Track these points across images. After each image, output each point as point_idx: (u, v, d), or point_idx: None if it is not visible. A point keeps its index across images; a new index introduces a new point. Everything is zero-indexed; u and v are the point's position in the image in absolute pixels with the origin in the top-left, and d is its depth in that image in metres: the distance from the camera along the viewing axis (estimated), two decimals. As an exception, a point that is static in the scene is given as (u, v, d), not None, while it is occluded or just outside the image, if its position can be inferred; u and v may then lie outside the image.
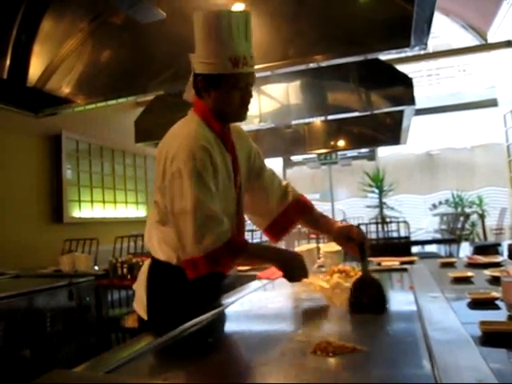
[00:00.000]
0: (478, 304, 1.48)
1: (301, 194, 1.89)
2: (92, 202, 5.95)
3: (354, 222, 6.61)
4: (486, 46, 7.71)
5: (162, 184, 1.49)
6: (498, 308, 1.42)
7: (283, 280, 1.99)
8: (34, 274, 3.92)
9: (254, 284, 2.18)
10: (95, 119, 5.92)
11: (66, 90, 3.92)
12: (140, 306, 1.63)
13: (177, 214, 1.43)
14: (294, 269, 1.64)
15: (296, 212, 1.85)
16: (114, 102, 3.99)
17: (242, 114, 1.60)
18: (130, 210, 6.76)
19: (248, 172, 1.78)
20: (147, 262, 1.68)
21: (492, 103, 7.96)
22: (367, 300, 1.51)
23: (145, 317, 1.60)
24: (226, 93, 1.51)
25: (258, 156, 1.87)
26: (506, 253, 6.81)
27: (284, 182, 1.92)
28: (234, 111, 1.57)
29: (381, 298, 1.52)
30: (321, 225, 1.87)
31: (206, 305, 1.59)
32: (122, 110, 6.42)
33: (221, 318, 1.55)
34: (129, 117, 5.90)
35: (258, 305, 1.74)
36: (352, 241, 1.69)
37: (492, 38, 7.38)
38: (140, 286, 1.66)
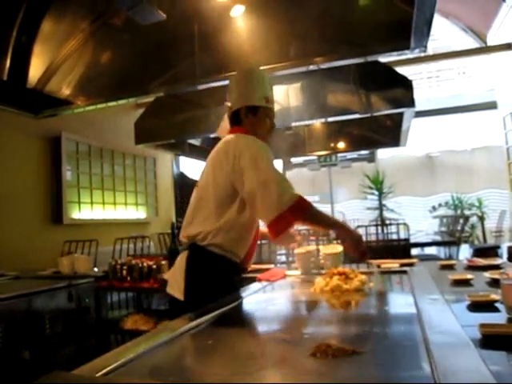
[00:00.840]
0: (477, 306, 1.48)
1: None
2: (92, 203, 5.94)
3: (354, 224, 6.60)
4: (485, 49, 7.71)
5: (236, 173, 1.88)
6: (497, 310, 1.42)
7: (283, 282, 1.99)
8: (34, 275, 3.92)
9: (254, 286, 2.18)
10: (95, 120, 5.92)
11: (66, 91, 3.92)
12: (176, 288, 1.94)
13: (259, 183, 1.81)
14: (355, 238, 1.94)
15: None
16: (114, 103, 3.99)
17: (268, 136, 2.16)
18: (129, 211, 6.75)
19: None
20: (185, 253, 1.99)
21: (492, 106, 7.96)
22: None
23: (181, 297, 1.90)
24: (261, 119, 2.11)
25: None
26: (505, 255, 6.81)
27: None
28: (263, 133, 2.11)
29: None
30: None
31: (229, 292, 1.90)
32: (122, 112, 6.42)
33: (221, 320, 1.54)
34: (129, 118, 5.89)
35: (257, 307, 1.74)
36: None
37: (491, 40, 7.39)
38: (178, 271, 1.96)
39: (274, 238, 1.85)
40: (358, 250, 1.93)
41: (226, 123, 2.19)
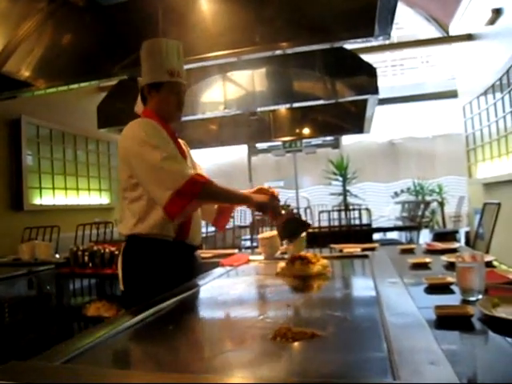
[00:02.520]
0: (434, 289, 1.53)
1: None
2: (53, 188, 5.79)
3: (318, 209, 6.68)
4: (447, 39, 7.86)
5: (127, 163, 1.84)
6: (452, 292, 1.47)
7: (246, 267, 1.99)
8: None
9: (217, 271, 2.19)
10: (57, 104, 5.75)
11: (25, 72, 3.79)
12: (120, 279, 1.93)
13: (148, 170, 1.77)
14: (270, 205, 1.98)
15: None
16: (75, 86, 3.88)
17: (176, 115, 2.03)
18: (92, 197, 6.63)
19: None
20: (123, 245, 1.97)
21: (453, 94, 8.14)
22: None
23: (121, 287, 1.92)
24: (165, 96, 1.96)
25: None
26: (463, 239, 7.05)
27: None
28: (171, 111, 1.99)
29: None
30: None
31: (180, 279, 1.85)
32: (84, 95, 6.26)
33: (182, 305, 1.54)
34: (91, 102, 5.75)
35: (219, 291, 1.75)
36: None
37: (453, 30, 7.53)
38: (118, 263, 1.96)
39: (172, 220, 1.77)
40: (278, 215, 2.00)
41: (140, 101, 2.06)
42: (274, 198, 2.03)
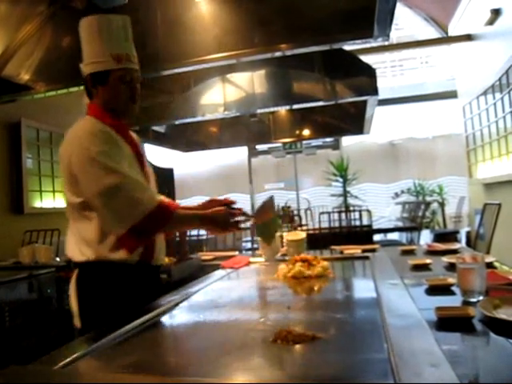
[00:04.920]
0: (435, 290, 1.53)
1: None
2: (54, 192, 5.79)
3: (318, 211, 6.67)
4: (446, 39, 7.88)
5: (72, 179, 1.52)
6: (453, 294, 1.47)
7: (247, 269, 1.99)
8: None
9: (218, 273, 2.19)
10: (56, 107, 5.74)
11: (25, 76, 3.78)
12: (75, 316, 1.62)
13: (100, 193, 1.46)
14: (219, 224, 1.68)
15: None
16: (75, 88, 3.88)
17: (130, 109, 1.68)
18: (92, 199, 6.63)
19: None
20: (75, 273, 1.63)
21: (452, 95, 8.15)
22: None
23: (78, 325, 1.59)
24: (114, 88, 1.62)
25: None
26: (464, 240, 7.04)
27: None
28: (122, 105, 1.66)
29: None
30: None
31: (145, 302, 1.55)
32: (84, 97, 6.25)
33: (183, 308, 1.54)
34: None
35: (220, 294, 1.75)
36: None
37: (452, 31, 7.54)
38: (71, 296, 1.64)
39: (129, 253, 1.52)
40: (230, 226, 1.71)
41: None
42: (228, 207, 1.75)
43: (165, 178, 9.90)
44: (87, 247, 1.55)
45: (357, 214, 4.72)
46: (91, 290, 1.57)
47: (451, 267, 1.88)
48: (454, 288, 1.50)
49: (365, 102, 4.79)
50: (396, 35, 9.38)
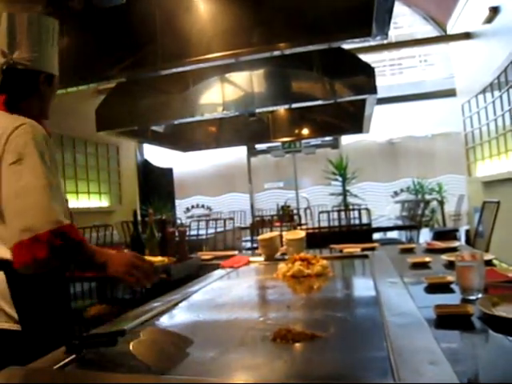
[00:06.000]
0: (434, 288, 1.53)
1: None
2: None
3: (318, 210, 6.67)
4: (445, 38, 7.88)
5: None
6: (452, 291, 1.47)
7: (246, 268, 1.99)
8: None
9: (218, 272, 2.19)
10: (55, 107, 5.65)
11: (22, 76, 3.79)
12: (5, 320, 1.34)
13: (22, 192, 1.29)
14: (129, 264, 1.44)
15: None
16: (74, 89, 3.87)
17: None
18: (92, 200, 6.63)
19: None
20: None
21: (451, 93, 8.15)
22: None
23: (17, 327, 1.33)
24: (52, 92, 1.68)
25: None
26: (463, 238, 7.05)
27: None
28: (48, 111, 1.69)
29: None
30: None
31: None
32: (82, 98, 6.25)
33: (183, 308, 1.54)
34: (90, 105, 5.73)
35: (219, 293, 1.75)
36: None
37: (451, 29, 7.54)
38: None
39: (17, 266, 1.27)
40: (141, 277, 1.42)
41: None
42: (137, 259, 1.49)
43: (164, 177, 9.93)
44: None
45: (356, 213, 4.73)
46: (27, 290, 1.38)
47: (450, 265, 1.88)
48: (453, 286, 1.51)
49: (364, 100, 4.79)
50: (395, 34, 9.38)
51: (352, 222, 4.80)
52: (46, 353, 1.06)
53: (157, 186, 8.81)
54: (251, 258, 2.54)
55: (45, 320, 1.39)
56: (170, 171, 9.74)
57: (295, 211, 7.46)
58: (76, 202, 6.24)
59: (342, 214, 4.60)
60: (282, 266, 1.99)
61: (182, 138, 6.50)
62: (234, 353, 1.05)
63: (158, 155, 9.44)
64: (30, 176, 1.31)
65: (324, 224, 4.50)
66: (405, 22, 9.65)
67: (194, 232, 5.30)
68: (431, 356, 0.87)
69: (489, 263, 1.87)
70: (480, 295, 1.33)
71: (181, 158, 9.15)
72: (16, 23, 1.49)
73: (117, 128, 5.28)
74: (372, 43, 5.61)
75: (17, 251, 1.26)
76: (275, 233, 2.57)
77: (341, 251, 2.67)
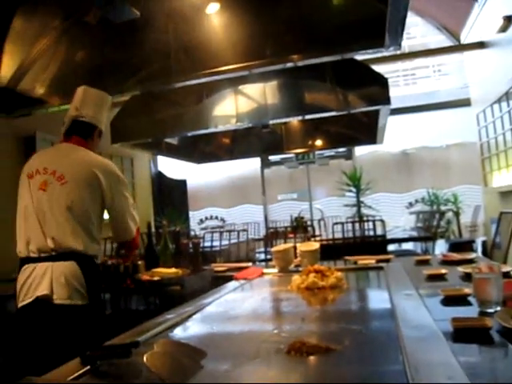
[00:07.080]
0: (450, 300, 1.51)
1: None
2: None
3: (332, 221, 6.64)
4: (459, 47, 7.84)
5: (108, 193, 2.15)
6: (469, 304, 1.45)
7: (260, 280, 1.98)
8: (6, 278, 3.83)
9: (231, 284, 2.18)
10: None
11: (39, 90, 3.84)
12: (75, 296, 1.94)
13: (127, 207, 2.23)
14: None
15: None
16: (89, 102, 3.92)
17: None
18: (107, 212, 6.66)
19: None
20: (70, 263, 2.05)
21: (466, 103, 8.09)
22: None
23: (86, 301, 1.96)
24: (98, 142, 2.31)
25: None
26: (480, 249, 6.95)
27: None
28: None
29: None
30: None
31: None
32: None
33: (196, 320, 1.54)
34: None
35: (233, 305, 1.74)
36: None
37: (464, 39, 7.51)
38: (72, 279, 1.98)
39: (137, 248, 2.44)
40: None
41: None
42: None
43: (178, 189, 9.98)
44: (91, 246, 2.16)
45: (370, 224, 4.70)
46: (93, 275, 2.08)
47: (467, 277, 1.85)
48: (470, 298, 1.48)
49: (377, 111, 4.78)
50: (408, 44, 9.36)
51: (366, 233, 4.76)
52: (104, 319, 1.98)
53: (171, 198, 8.86)
54: (265, 270, 2.53)
55: (99, 296, 2.11)
56: (183, 183, 9.79)
57: (309, 222, 7.43)
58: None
59: (357, 225, 4.57)
60: (296, 278, 1.98)
61: (195, 150, 6.54)
62: (248, 365, 1.04)
63: (171, 167, 9.51)
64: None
65: (338, 235, 4.47)
66: (418, 32, 9.64)
67: (207, 244, 5.29)
68: (449, 370, 0.85)
69: (507, 275, 1.84)
70: (498, 308, 1.30)
71: (194, 170, 9.20)
72: (88, 93, 2.25)
73: (131, 140, 5.34)
74: (385, 54, 5.61)
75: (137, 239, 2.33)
76: (289, 244, 2.56)
77: (355, 263, 2.65)
